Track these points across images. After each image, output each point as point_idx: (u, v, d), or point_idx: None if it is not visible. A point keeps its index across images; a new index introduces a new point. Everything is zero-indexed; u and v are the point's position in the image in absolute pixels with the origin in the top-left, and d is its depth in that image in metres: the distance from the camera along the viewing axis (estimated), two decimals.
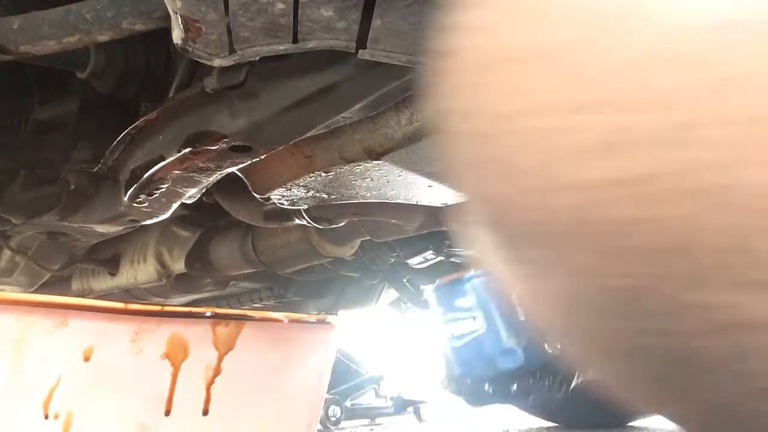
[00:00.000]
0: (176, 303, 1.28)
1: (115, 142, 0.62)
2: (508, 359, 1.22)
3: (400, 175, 0.70)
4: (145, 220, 0.73)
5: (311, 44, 0.42)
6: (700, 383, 0.16)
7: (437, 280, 1.33)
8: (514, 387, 1.20)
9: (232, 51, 0.42)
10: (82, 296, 1.15)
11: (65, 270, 1.00)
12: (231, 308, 1.43)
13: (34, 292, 0.99)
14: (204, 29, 0.40)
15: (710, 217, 0.14)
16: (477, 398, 1.30)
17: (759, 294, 0.14)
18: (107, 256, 1.09)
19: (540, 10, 0.16)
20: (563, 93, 0.16)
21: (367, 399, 2.01)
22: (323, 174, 0.69)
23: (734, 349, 0.15)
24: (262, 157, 0.59)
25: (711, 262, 0.14)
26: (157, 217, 0.69)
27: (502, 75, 0.18)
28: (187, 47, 0.42)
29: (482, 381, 1.25)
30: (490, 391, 1.24)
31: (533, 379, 1.19)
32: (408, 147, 0.60)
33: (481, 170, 0.19)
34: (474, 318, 1.27)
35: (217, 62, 0.43)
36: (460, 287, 1.29)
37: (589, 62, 0.15)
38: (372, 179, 0.72)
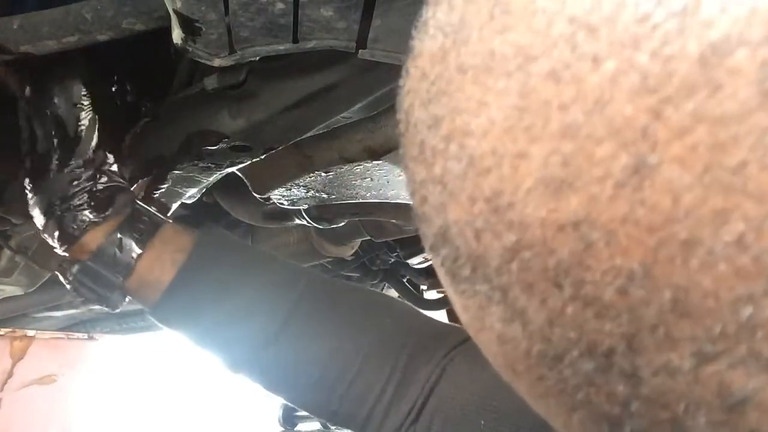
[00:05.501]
0: None
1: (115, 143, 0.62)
2: None
3: (400, 175, 0.70)
4: None
5: (311, 44, 0.42)
6: None
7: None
8: None
9: (232, 51, 0.42)
10: None
11: None
12: None
13: (34, 291, 0.99)
14: (204, 29, 0.40)
15: (667, 272, 0.13)
16: None
17: (691, 358, 0.13)
18: None
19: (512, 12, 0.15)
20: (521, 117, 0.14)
21: None
22: (323, 174, 0.69)
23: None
24: (262, 157, 0.59)
25: (654, 323, 0.13)
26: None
27: (459, 86, 0.16)
28: (187, 47, 0.42)
29: None
30: None
31: None
32: None
33: (425, 191, 0.18)
34: None
35: (217, 62, 0.43)
36: None
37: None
38: (372, 179, 0.72)
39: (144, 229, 0.53)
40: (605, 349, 0.14)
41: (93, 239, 0.51)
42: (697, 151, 0.12)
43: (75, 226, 0.51)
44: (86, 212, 0.51)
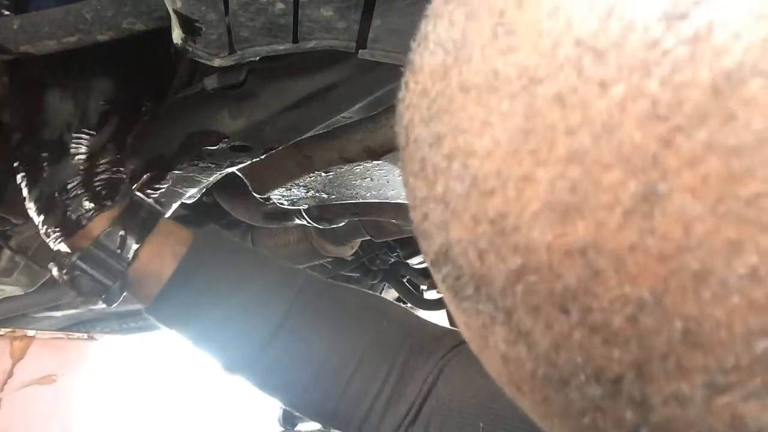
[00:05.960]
0: None
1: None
2: None
3: (400, 175, 0.70)
4: None
5: (311, 44, 0.42)
6: None
7: None
8: None
9: (232, 51, 0.42)
10: None
11: None
12: None
13: (34, 291, 0.99)
14: (204, 29, 0.40)
15: (678, 302, 0.12)
16: None
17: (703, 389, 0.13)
18: None
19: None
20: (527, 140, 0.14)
21: None
22: (323, 174, 0.69)
23: None
24: (262, 157, 0.59)
25: (662, 353, 0.13)
26: None
27: (461, 105, 0.16)
28: (187, 47, 0.42)
29: None
30: None
31: None
32: None
33: (426, 208, 0.17)
34: None
35: (217, 62, 0.43)
36: None
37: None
38: (372, 179, 0.72)
39: (145, 219, 0.53)
40: (614, 376, 0.14)
41: (97, 226, 0.51)
42: (710, 181, 0.12)
43: (80, 214, 0.51)
44: (91, 199, 0.51)
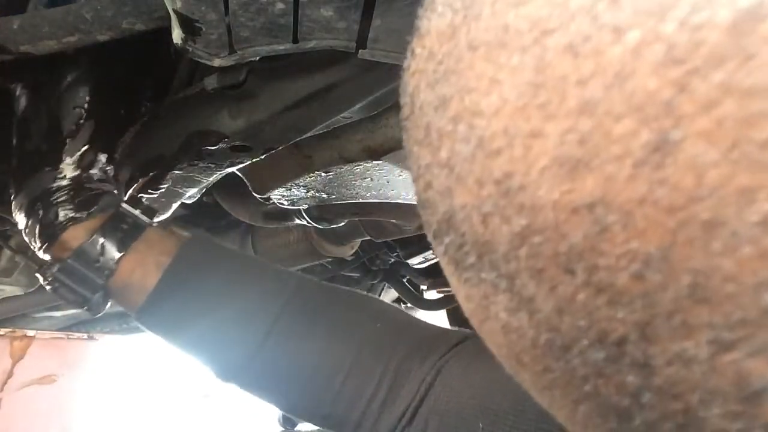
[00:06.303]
0: None
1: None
2: None
3: (400, 175, 0.70)
4: None
5: (311, 44, 0.42)
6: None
7: None
8: None
9: (232, 51, 0.42)
10: None
11: None
12: None
13: (34, 291, 0.99)
14: (204, 29, 0.40)
15: (686, 255, 0.12)
16: None
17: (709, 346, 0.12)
18: None
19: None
20: (536, 93, 0.14)
21: None
22: (323, 174, 0.69)
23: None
24: (262, 157, 0.59)
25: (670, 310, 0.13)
26: (157, 217, 0.69)
27: (469, 64, 0.15)
28: (187, 47, 0.42)
29: None
30: None
31: None
32: None
33: (430, 175, 0.17)
34: None
35: (217, 62, 0.43)
36: None
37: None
38: (372, 179, 0.72)
39: (127, 230, 0.52)
40: (617, 337, 0.14)
41: (74, 237, 0.51)
42: (725, 125, 0.11)
43: (56, 222, 0.50)
44: (68, 209, 0.51)
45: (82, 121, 0.52)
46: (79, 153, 0.52)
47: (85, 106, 0.52)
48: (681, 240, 0.12)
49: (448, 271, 0.18)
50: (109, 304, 0.55)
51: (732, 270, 0.12)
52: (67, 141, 0.52)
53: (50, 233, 0.51)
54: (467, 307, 0.18)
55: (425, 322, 0.56)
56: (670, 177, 0.12)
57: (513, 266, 0.15)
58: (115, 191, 0.55)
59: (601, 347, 0.14)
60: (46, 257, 0.52)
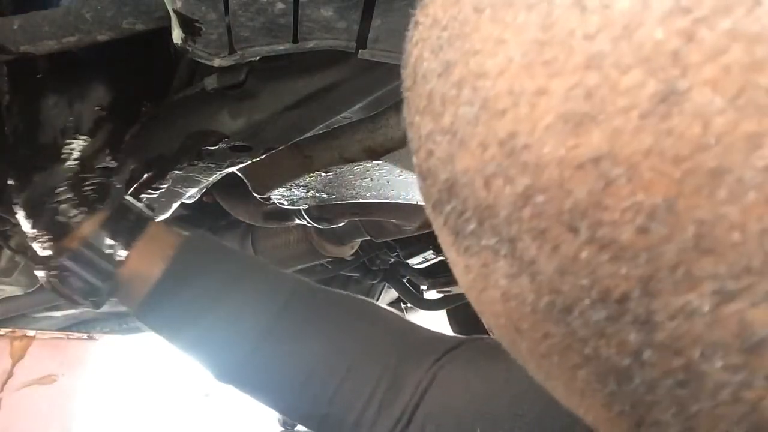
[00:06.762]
0: None
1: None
2: None
3: (400, 175, 0.70)
4: None
5: (311, 44, 0.42)
6: (646, 398, 0.14)
7: None
8: None
9: (232, 51, 0.42)
10: None
11: None
12: None
13: (34, 291, 0.99)
14: (204, 29, 0.40)
15: (692, 205, 0.12)
16: None
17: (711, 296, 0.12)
18: None
19: None
20: (541, 49, 0.13)
21: None
22: (323, 174, 0.69)
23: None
24: (262, 157, 0.59)
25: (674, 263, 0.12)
26: (157, 217, 0.69)
27: (475, 27, 0.15)
28: (187, 47, 0.42)
29: None
30: None
31: None
32: (408, 147, 0.60)
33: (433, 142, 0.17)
34: None
35: (217, 62, 0.43)
36: None
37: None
38: (372, 179, 0.72)
39: (134, 223, 0.54)
40: (619, 294, 0.13)
41: (87, 229, 0.52)
42: (731, 71, 0.11)
43: (69, 217, 0.51)
44: (78, 206, 0.52)
45: (101, 121, 0.53)
46: (94, 151, 0.53)
47: (106, 106, 0.53)
48: (687, 190, 0.12)
49: (446, 242, 0.18)
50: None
51: (737, 217, 0.12)
52: (86, 139, 0.52)
53: (63, 227, 0.51)
54: (466, 280, 0.18)
55: (421, 326, 0.56)
56: (676, 127, 0.12)
57: (515, 229, 0.15)
58: (119, 186, 0.56)
59: (603, 306, 0.14)
60: (51, 252, 0.53)
